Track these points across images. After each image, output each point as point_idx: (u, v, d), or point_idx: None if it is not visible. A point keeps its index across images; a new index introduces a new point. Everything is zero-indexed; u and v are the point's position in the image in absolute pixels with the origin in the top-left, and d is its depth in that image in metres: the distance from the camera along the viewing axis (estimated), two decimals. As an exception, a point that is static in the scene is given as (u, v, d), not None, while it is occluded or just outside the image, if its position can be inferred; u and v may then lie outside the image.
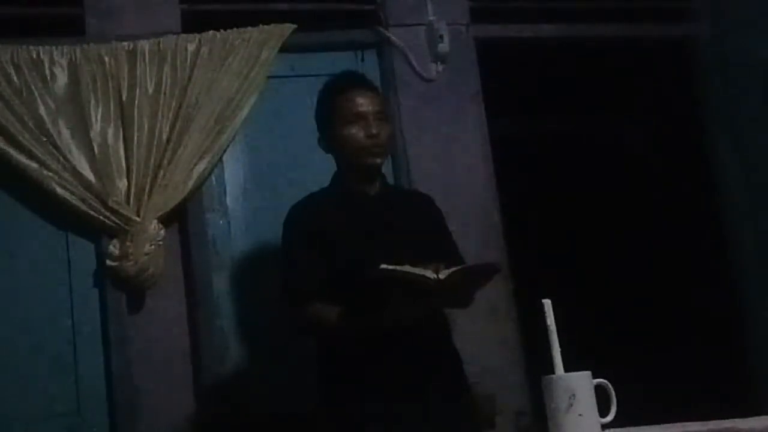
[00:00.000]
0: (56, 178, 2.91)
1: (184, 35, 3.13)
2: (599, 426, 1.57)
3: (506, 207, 3.44)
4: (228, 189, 3.19)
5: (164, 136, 3.01)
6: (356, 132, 2.41)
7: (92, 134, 2.96)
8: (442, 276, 2.13)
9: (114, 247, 2.92)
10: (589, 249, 4.76)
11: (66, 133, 2.95)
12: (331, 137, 2.47)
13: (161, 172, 2.98)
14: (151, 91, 3.03)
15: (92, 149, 2.96)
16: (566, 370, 1.59)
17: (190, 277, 3.06)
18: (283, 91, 3.25)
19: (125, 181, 2.97)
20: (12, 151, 2.90)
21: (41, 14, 3.11)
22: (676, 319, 4.36)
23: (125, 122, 2.99)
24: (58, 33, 3.07)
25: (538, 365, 1.74)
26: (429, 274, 2.12)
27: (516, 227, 3.48)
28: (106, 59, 3.01)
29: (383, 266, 2.09)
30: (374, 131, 2.41)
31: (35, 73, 2.95)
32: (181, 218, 3.08)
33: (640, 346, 4.35)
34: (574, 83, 4.39)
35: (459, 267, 2.21)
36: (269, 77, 3.18)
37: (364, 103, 2.43)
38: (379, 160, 2.47)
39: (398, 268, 2.11)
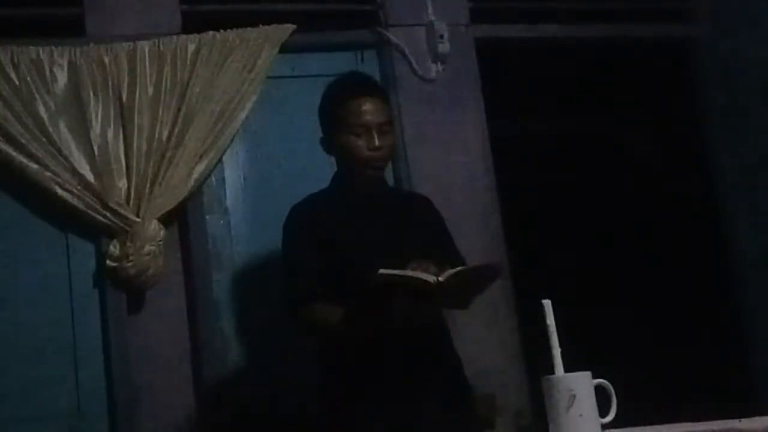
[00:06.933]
0: (56, 178, 2.91)
1: (184, 35, 3.13)
2: (599, 426, 1.57)
3: (506, 207, 3.44)
4: (228, 189, 3.19)
5: (164, 137, 3.01)
6: (359, 143, 2.37)
7: (92, 134, 2.97)
8: (442, 278, 2.11)
9: (114, 248, 2.92)
10: (589, 249, 4.75)
11: (66, 133, 2.95)
12: (334, 143, 2.44)
13: (161, 173, 2.98)
14: (151, 91, 3.03)
15: (92, 149, 2.96)
16: (566, 370, 1.59)
17: (190, 277, 3.06)
18: (283, 91, 3.26)
19: (125, 181, 2.97)
20: (12, 151, 2.90)
21: (41, 14, 3.11)
22: (677, 319, 4.36)
23: (125, 122, 2.99)
24: (58, 33, 3.07)
25: (538, 365, 1.73)
26: (429, 277, 2.10)
27: (516, 227, 3.48)
28: (106, 59, 3.02)
29: (382, 271, 2.07)
30: (377, 144, 2.37)
31: (35, 73, 2.95)
32: (181, 218, 3.08)
33: (641, 346, 4.35)
34: (574, 83, 4.39)
35: (459, 269, 2.18)
36: (269, 77, 3.18)
37: (370, 113, 2.38)
38: (379, 173, 2.46)
39: (397, 272, 2.08)
